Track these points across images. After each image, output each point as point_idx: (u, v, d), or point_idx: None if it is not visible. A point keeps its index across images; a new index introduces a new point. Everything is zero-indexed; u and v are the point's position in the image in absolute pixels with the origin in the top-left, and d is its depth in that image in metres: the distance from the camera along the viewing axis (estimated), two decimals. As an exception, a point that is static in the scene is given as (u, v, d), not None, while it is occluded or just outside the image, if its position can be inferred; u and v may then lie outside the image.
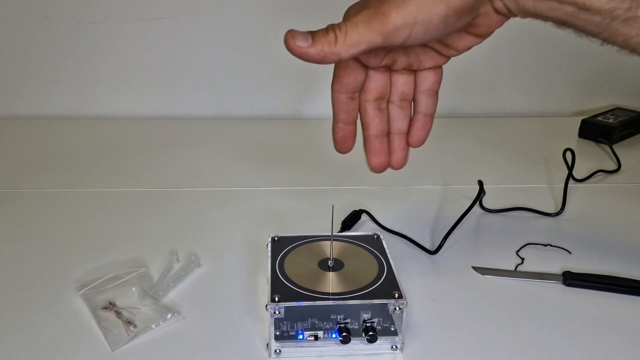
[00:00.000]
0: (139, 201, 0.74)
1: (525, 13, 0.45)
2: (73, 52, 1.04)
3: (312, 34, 0.43)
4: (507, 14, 0.46)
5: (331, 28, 0.43)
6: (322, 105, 1.10)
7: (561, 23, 0.45)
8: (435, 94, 0.53)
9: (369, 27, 0.42)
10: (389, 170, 0.55)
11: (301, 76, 1.07)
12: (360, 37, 0.42)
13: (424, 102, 0.53)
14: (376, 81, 0.51)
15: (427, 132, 0.54)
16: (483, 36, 0.48)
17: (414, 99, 0.53)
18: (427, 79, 0.51)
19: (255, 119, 1.08)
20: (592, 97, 1.12)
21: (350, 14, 0.44)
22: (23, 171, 0.83)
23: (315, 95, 1.09)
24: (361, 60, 0.49)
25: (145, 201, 0.74)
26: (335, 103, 0.51)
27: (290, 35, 0.43)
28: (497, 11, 0.46)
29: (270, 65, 1.07)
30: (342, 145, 0.53)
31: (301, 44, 0.42)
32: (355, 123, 0.53)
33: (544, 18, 0.45)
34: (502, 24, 0.47)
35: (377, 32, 0.42)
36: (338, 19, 0.44)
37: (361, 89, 0.51)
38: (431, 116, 0.54)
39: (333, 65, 0.50)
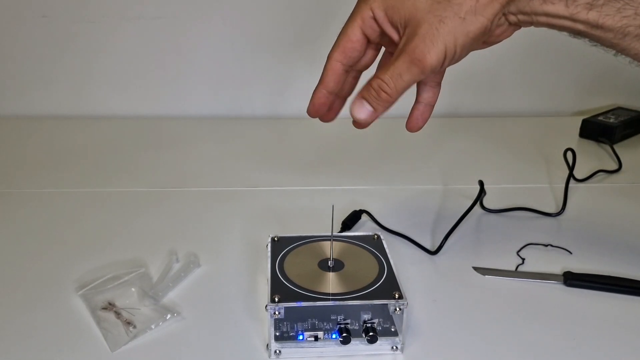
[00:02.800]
0: (138, 201, 0.74)
1: (540, 25, 0.46)
2: (71, 51, 1.04)
3: (366, 99, 0.47)
4: (520, 26, 0.47)
5: (378, 87, 0.47)
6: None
7: (575, 34, 0.46)
8: (438, 85, 0.54)
9: (411, 73, 0.46)
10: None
11: (301, 76, 1.07)
12: (406, 83, 0.47)
13: (426, 93, 0.54)
14: (369, 57, 0.52)
15: (425, 120, 0.55)
16: (492, 44, 0.50)
17: (417, 89, 0.54)
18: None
19: (255, 119, 1.08)
20: (593, 97, 1.11)
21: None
22: (20, 171, 0.83)
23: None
24: (372, 40, 0.50)
25: (144, 201, 0.74)
26: (329, 70, 0.50)
27: (355, 113, 0.48)
28: (511, 23, 0.47)
29: (270, 64, 1.07)
30: (317, 111, 0.53)
31: (367, 116, 0.48)
32: (338, 96, 0.53)
33: (558, 29, 0.46)
34: (513, 33, 0.49)
35: (418, 74, 0.46)
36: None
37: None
38: (432, 105, 0.55)
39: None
